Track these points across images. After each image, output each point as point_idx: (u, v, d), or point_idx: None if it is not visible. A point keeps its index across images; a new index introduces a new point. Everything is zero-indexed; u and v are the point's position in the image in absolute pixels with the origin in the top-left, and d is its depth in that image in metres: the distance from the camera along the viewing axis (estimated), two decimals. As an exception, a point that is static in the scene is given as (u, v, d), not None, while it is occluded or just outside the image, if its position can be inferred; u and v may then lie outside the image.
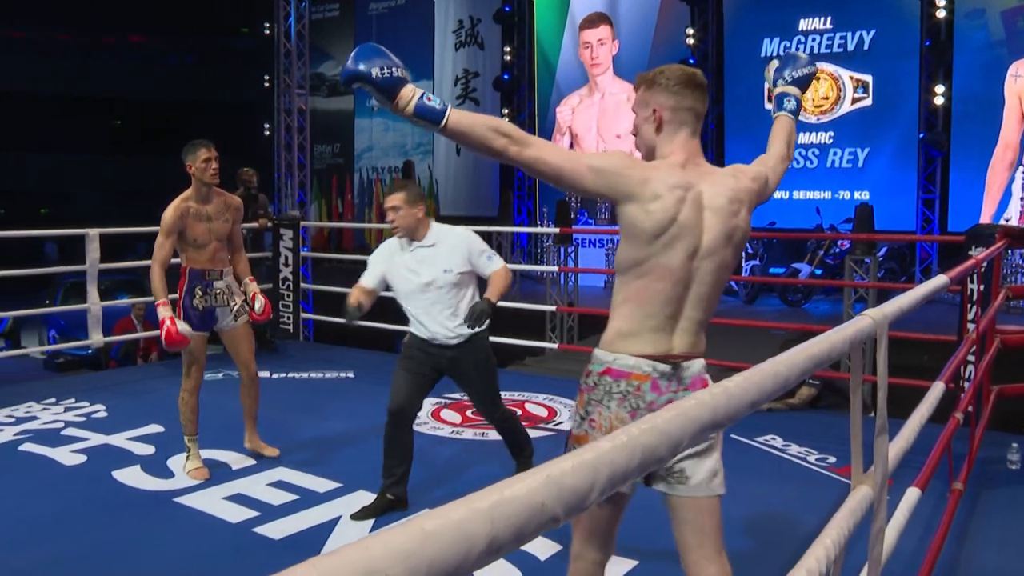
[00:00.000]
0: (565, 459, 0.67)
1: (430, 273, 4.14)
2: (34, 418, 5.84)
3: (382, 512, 4.16)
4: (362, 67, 2.03)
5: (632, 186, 2.18)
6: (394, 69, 2.05)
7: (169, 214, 4.64)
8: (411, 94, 2.06)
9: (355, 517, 4.14)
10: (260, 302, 4.88)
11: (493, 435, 5.42)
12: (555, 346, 8.34)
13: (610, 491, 0.68)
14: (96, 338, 7.34)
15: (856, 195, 12.96)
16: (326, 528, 3.98)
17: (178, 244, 4.73)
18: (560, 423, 5.77)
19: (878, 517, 1.96)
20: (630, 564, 3.53)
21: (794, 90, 2.70)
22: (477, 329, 4.14)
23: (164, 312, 4.50)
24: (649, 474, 2.25)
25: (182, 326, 4.54)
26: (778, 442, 5.34)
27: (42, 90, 26.28)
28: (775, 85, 2.74)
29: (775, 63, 2.79)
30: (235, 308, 4.84)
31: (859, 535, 1.85)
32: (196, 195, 4.71)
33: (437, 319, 4.19)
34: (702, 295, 2.26)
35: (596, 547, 2.41)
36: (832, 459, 4.98)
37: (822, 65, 13.07)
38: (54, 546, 3.81)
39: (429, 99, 2.08)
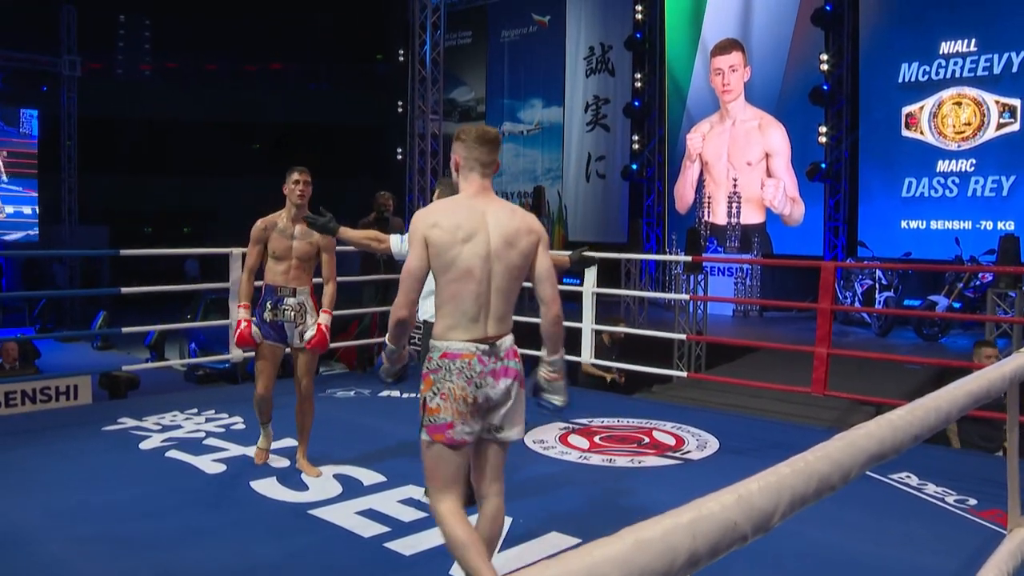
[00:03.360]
0: (751, 481, 0.68)
1: None
2: (178, 427, 6.12)
3: None
4: None
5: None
6: None
7: (256, 225, 5.08)
8: None
9: None
10: (311, 332, 5.04)
11: (621, 461, 5.42)
12: (684, 374, 8.26)
13: (790, 514, 0.70)
14: (236, 353, 7.63)
15: (1000, 225, 12.36)
16: (455, 546, 4.01)
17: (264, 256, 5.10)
18: (688, 451, 5.70)
19: (1037, 562, 1.88)
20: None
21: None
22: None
23: (241, 313, 5.04)
24: (480, 436, 3.06)
25: (255, 330, 5.01)
26: (913, 480, 5.12)
27: (188, 117, 27.58)
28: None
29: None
30: (301, 328, 5.06)
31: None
32: (287, 212, 5.09)
33: None
34: (501, 289, 3.01)
35: (452, 495, 3.03)
36: (972, 501, 4.74)
37: (965, 90, 12.62)
38: (197, 551, 3.98)
39: None
